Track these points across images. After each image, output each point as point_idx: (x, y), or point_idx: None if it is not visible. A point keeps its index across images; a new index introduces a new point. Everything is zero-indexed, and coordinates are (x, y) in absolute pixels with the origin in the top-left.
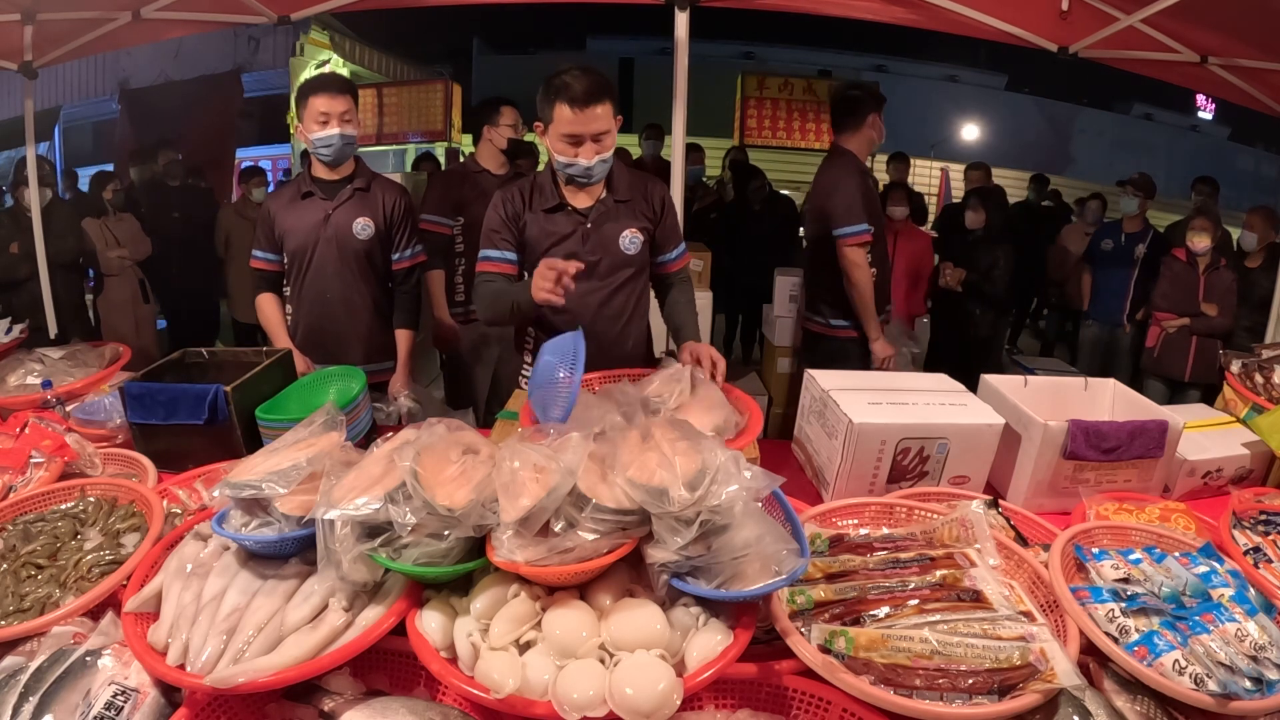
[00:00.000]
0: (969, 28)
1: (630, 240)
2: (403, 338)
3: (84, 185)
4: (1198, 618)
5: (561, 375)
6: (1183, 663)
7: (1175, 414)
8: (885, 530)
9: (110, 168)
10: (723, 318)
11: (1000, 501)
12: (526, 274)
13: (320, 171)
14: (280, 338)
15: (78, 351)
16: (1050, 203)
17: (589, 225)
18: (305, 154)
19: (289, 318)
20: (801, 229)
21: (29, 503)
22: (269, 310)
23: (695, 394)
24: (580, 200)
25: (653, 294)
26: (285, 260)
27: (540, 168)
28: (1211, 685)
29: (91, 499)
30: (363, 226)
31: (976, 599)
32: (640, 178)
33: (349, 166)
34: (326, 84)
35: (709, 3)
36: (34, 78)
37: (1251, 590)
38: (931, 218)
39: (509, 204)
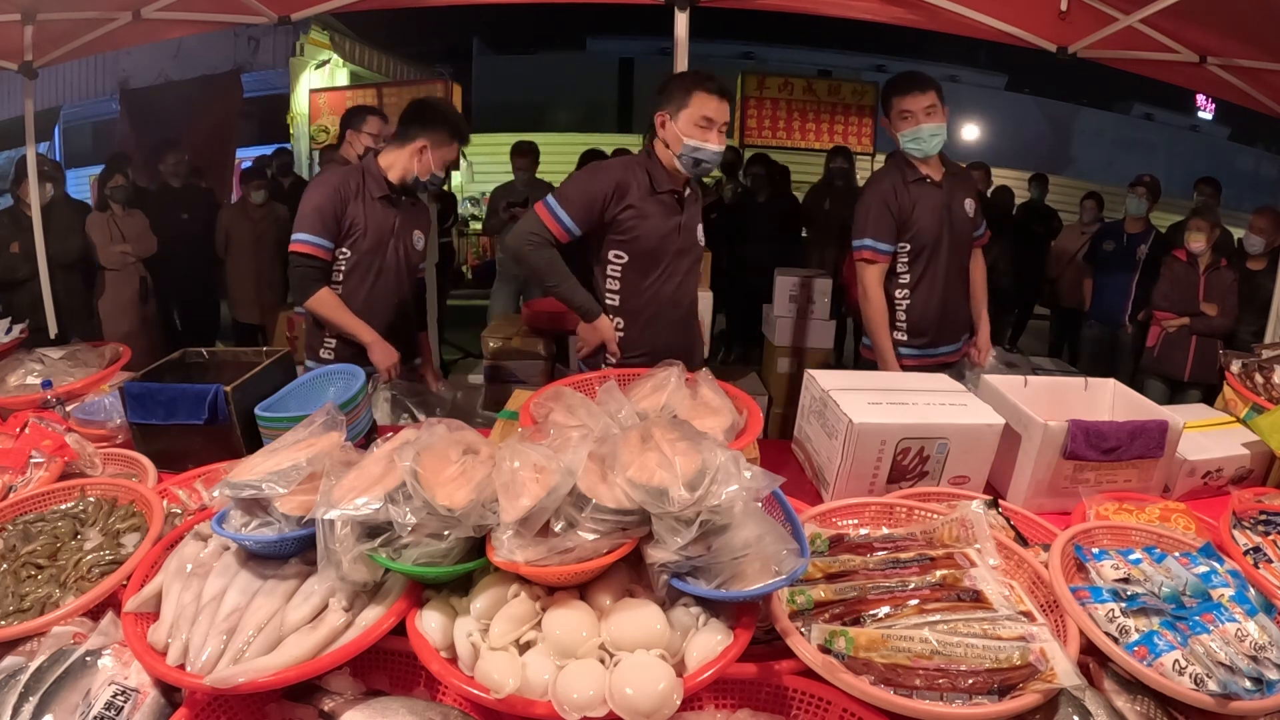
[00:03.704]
0: (969, 28)
1: (701, 233)
2: (425, 338)
3: (71, 188)
4: (1198, 618)
5: None
6: (1183, 663)
7: (1175, 414)
8: (885, 530)
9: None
10: (723, 317)
11: (1000, 501)
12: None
13: (394, 177)
14: (362, 329)
15: (78, 351)
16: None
17: (683, 217)
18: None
19: None
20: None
21: (29, 503)
22: (336, 302)
23: (697, 396)
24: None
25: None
26: (341, 256)
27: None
28: (1211, 685)
29: (91, 499)
30: (419, 239)
31: (976, 599)
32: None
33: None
34: (466, 131)
35: (709, 3)
36: (34, 78)
37: (1251, 590)
38: None
39: (615, 185)
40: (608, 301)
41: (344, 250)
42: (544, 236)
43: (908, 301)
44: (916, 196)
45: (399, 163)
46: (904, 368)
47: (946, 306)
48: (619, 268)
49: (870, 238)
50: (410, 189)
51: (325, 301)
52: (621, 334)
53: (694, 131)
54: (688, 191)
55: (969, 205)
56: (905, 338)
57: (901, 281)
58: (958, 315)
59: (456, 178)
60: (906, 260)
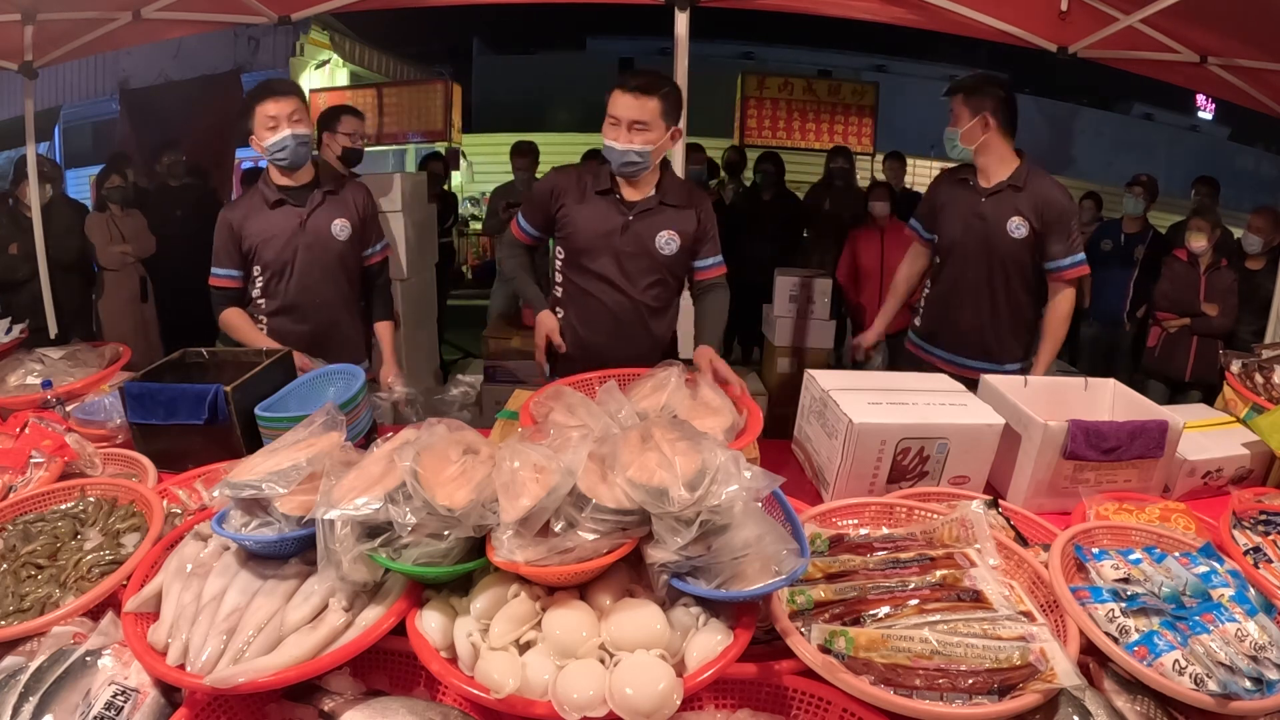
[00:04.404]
0: (969, 28)
1: (667, 241)
2: (386, 329)
3: (71, 188)
4: (1198, 618)
5: None
6: (1183, 663)
7: (1175, 414)
8: (885, 530)
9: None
10: None
11: (1000, 501)
12: (552, 244)
13: (283, 179)
14: (261, 342)
15: (78, 351)
16: None
17: (631, 218)
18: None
19: (264, 329)
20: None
21: (29, 503)
22: (240, 322)
23: (697, 396)
24: (629, 193)
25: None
26: (255, 274)
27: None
28: (1211, 685)
29: (91, 499)
30: (341, 227)
31: (976, 599)
32: (689, 187)
33: (309, 171)
34: (269, 89)
35: (709, 3)
36: (34, 78)
37: (1251, 590)
38: None
39: (554, 186)
40: (555, 293)
41: (256, 267)
42: (510, 238)
43: (926, 291)
44: (950, 195)
45: (268, 163)
46: (907, 353)
47: (952, 313)
48: (561, 262)
49: (913, 216)
50: (313, 180)
51: (230, 324)
52: (562, 321)
53: (606, 130)
54: (649, 195)
55: (1014, 224)
56: (918, 322)
57: (934, 273)
58: (971, 330)
59: (456, 178)
60: (937, 254)
